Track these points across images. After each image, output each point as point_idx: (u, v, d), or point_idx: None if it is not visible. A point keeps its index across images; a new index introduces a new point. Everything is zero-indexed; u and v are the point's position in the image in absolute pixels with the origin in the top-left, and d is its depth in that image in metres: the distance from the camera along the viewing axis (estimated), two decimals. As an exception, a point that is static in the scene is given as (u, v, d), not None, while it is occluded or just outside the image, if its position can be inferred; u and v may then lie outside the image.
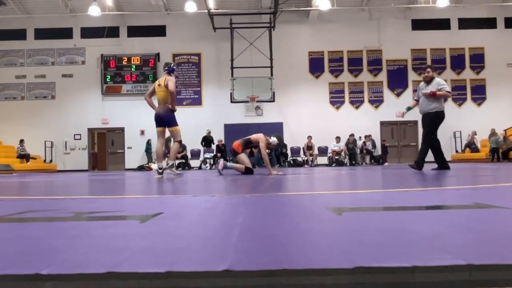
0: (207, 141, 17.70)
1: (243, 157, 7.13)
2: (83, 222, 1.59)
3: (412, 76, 19.17)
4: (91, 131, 19.45)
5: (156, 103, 6.84)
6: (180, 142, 6.93)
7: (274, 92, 16.40)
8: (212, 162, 16.83)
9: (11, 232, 1.38)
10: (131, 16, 18.89)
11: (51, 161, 18.69)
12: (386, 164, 16.64)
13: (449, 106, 15.81)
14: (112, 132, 19.51)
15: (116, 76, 19.04)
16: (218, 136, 17.95)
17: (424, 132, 6.69)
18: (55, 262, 0.87)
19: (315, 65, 19.23)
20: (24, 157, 17.20)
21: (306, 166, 16.79)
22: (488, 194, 2.52)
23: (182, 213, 1.84)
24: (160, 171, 6.62)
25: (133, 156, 18.87)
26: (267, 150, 7.17)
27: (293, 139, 18.18)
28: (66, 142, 19.08)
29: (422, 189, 3.02)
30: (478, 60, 19.25)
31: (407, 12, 19.09)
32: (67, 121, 18.98)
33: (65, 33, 19.25)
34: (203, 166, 17.06)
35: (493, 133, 16.47)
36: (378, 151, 18.17)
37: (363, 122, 18.64)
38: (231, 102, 16.79)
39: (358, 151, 17.66)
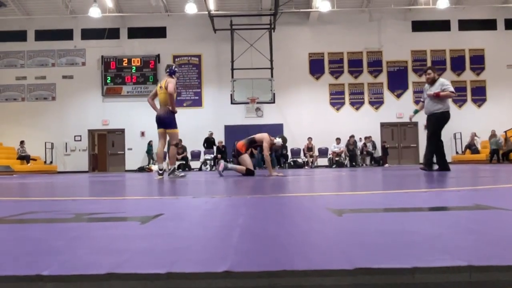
0: (209, 142, 17.72)
1: (246, 158, 7.09)
2: (83, 224, 1.59)
3: (412, 77, 19.17)
4: (91, 132, 19.45)
5: (158, 105, 6.88)
6: (176, 145, 6.95)
7: (274, 94, 16.38)
8: (212, 164, 16.82)
9: (12, 234, 1.39)
10: (132, 18, 18.91)
11: (51, 162, 18.69)
12: (386, 165, 16.65)
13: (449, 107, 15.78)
14: (112, 133, 19.51)
15: (116, 77, 19.05)
16: (218, 138, 17.99)
17: (429, 132, 6.70)
18: (55, 263, 0.87)
19: (315, 67, 19.23)
20: (25, 158, 17.19)
21: (306, 167, 16.79)
22: (488, 196, 2.52)
23: (183, 214, 1.85)
24: (161, 172, 6.64)
25: (134, 157, 18.86)
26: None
27: (293, 140, 18.14)
28: (66, 143, 19.08)
29: (423, 191, 3.02)
30: (478, 61, 19.24)
31: (407, 14, 19.09)
32: (67, 122, 18.99)
33: (66, 35, 19.26)
34: (203, 167, 17.06)
35: (493, 135, 16.47)
36: (379, 153, 18.17)
37: (363, 124, 18.63)
38: (232, 103, 16.78)
39: (358, 152, 17.65)
